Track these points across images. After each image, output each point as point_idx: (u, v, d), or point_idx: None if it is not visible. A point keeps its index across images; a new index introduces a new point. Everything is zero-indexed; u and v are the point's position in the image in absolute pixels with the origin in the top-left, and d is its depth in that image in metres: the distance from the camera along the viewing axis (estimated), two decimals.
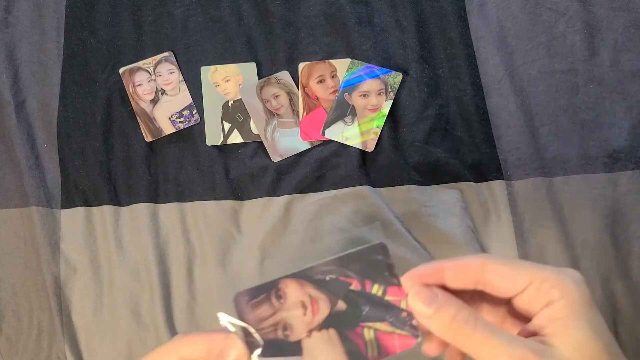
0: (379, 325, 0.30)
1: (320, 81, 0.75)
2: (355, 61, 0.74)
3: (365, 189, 0.70)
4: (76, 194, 0.73)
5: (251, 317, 0.29)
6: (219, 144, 0.74)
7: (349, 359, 0.30)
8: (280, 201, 0.71)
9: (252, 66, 0.76)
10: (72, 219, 0.72)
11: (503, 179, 0.70)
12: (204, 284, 0.70)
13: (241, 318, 0.29)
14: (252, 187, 0.72)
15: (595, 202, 0.69)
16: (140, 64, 0.77)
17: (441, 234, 0.68)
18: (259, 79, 0.76)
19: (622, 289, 0.66)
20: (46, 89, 0.77)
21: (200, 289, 0.70)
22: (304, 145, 0.73)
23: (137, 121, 0.75)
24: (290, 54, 0.76)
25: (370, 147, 0.72)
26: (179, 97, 0.76)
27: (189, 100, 0.76)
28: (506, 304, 0.33)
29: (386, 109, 0.73)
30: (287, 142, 0.73)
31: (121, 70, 0.77)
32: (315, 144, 0.73)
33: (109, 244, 0.71)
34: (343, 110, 0.74)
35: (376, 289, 0.30)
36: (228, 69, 0.76)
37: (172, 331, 0.68)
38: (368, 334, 0.30)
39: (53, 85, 0.77)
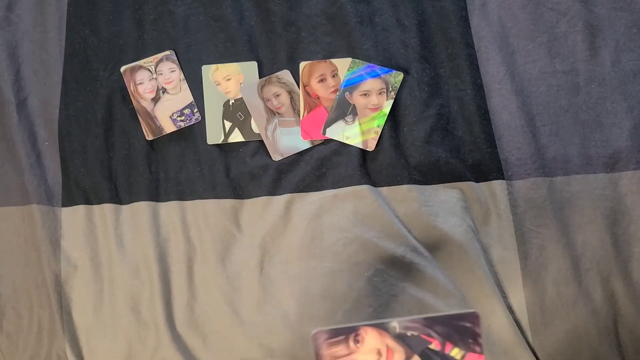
0: None
1: (321, 80, 0.75)
2: (357, 60, 0.75)
3: (365, 188, 0.70)
4: (77, 192, 0.73)
5: (326, 354, 0.31)
6: (220, 142, 0.74)
7: None
8: (280, 200, 0.71)
9: (253, 65, 0.76)
10: (72, 217, 0.72)
11: (504, 179, 0.70)
12: (204, 282, 0.70)
13: (317, 353, 0.31)
14: (252, 185, 0.72)
15: (596, 202, 0.69)
16: (141, 62, 0.77)
17: (441, 234, 0.68)
18: (260, 78, 0.76)
19: (622, 289, 0.66)
20: (47, 87, 0.77)
21: (200, 287, 0.70)
22: (305, 144, 0.73)
23: (138, 120, 0.75)
24: (291, 53, 0.77)
25: (371, 147, 0.72)
26: (180, 96, 0.76)
27: (190, 99, 0.76)
28: None
29: (387, 108, 0.73)
30: (287, 141, 0.73)
31: (122, 69, 0.77)
32: (316, 143, 0.73)
33: (109, 242, 0.71)
34: (344, 110, 0.74)
35: (455, 353, 0.32)
36: (229, 68, 0.77)
37: (172, 329, 0.68)
38: None
39: (54, 83, 0.77)
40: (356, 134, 0.72)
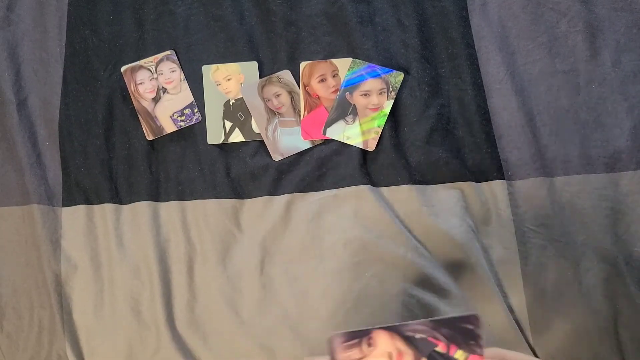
0: None
1: (322, 80, 0.75)
2: (357, 60, 0.74)
3: (365, 188, 0.70)
4: (77, 192, 0.73)
5: (341, 357, 0.32)
6: (220, 142, 0.74)
7: None
8: (281, 200, 0.71)
9: (253, 65, 0.76)
10: (73, 216, 0.72)
11: (504, 179, 0.70)
12: (205, 282, 0.70)
13: (332, 357, 0.32)
14: (253, 185, 0.72)
15: (596, 202, 0.69)
16: (141, 62, 0.77)
17: (442, 234, 0.68)
18: (260, 78, 0.76)
19: (622, 289, 0.66)
20: (48, 87, 0.77)
21: (200, 287, 0.70)
22: (305, 144, 0.73)
23: (139, 119, 0.75)
24: (291, 53, 0.77)
25: (372, 147, 0.72)
26: (180, 96, 0.76)
27: (190, 98, 0.76)
28: None
29: (387, 109, 0.73)
30: (288, 141, 0.73)
31: (123, 69, 0.77)
32: (316, 143, 0.73)
33: (109, 242, 0.71)
34: (344, 110, 0.74)
35: (459, 355, 0.34)
36: (229, 68, 0.77)
37: (172, 329, 0.68)
38: None
39: (55, 83, 0.77)
40: (356, 134, 0.72)
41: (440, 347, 0.33)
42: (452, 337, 0.33)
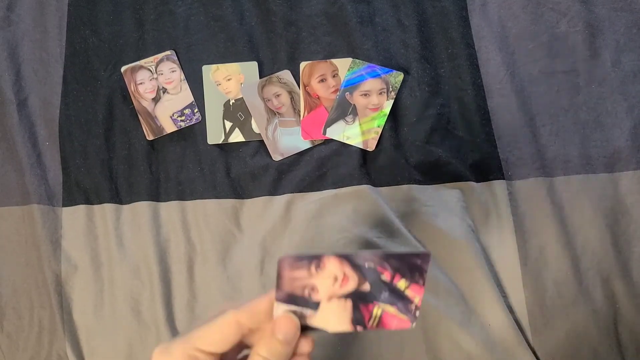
0: (388, 307, 0.35)
1: (322, 80, 0.75)
2: (357, 60, 0.75)
3: (365, 188, 0.70)
4: (77, 192, 0.73)
5: (287, 275, 0.33)
6: (220, 142, 0.74)
7: (352, 323, 0.35)
8: (281, 200, 0.71)
9: (253, 65, 0.76)
10: (73, 216, 0.72)
11: (504, 179, 0.70)
12: (205, 283, 0.70)
13: (279, 275, 0.33)
14: (253, 185, 0.72)
15: (596, 202, 0.69)
16: (142, 62, 0.77)
17: (442, 234, 0.68)
18: (260, 78, 0.76)
19: (622, 289, 0.66)
20: (48, 87, 0.77)
21: (200, 288, 0.70)
22: (305, 144, 0.73)
23: (139, 120, 0.75)
24: (291, 53, 0.77)
25: (372, 147, 0.72)
26: (180, 96, 0.76)
27: (190, 99, 0.76)
28: None
29: (387, 109, 0.73)
30: (288, 141, 0.73)
31: (123, 69, 0.77)
32: (316, 143, 0.73)
33: (110, 242, 0.71)
34: (344, 110, 0.74)
35: (401, 283, 0.35)
36: (229, 68, 0.77)
37: (173, 329, 0.68)
38: (376, 310, 0.35)
39: (55, 83, 0.77)
40: (356, 134, 0.72)
41: (385, 275, 0.35)
42: (399, 268, 0.34)
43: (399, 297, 0.35)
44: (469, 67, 0.74)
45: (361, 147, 0.72)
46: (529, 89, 0.73)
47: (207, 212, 0.72)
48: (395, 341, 0.66)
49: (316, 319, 0.35)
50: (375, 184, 0.71)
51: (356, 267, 0.34)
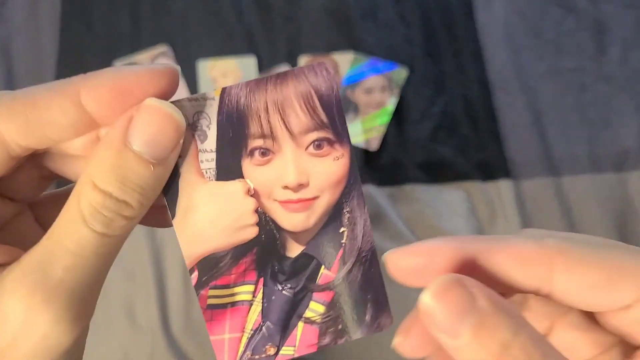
0: None
1: None
2: (359, 55, 0.73)
3: (368, 187, 0.68)
4: None
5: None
6: None
7: None
8: None
9: (251, 60, 0.75)
10: None
11: (510, 179, 0.69)
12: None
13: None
14: None
15: (604, 203, 0.68)
16: (136, 59, 0.76)
17: (446, 235, 0.66)
18: (259, 73, 0.75)
19: None
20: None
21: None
22: None
23: None
24: (291, 49, 0.76)
25: (374, 145, 0.70)
26: (176, 94, 0.75)
27: (185, 96, 0.74)
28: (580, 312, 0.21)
29: (391, 106, 0.71)
30: None
31: (117, 66, 0.76)
32: None
33: None
34: (345, 107, 0.72)
35: None
36: (226, 64, 0.75)
37: (168, 334, 0.67)
38: None
39: (48, 80, 0.75)
40: (358, 132, 0.71)
41: None
42: None
43: None
44: (474, 64, 0.73)
45: (362, 146, 0.70)
46: (535, 86, 0.72)
47: None
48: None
49: None
50: (378, 183, 0.70)
51: None
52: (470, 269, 0.18)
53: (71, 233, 0.17)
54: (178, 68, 0.20)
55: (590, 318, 0.20)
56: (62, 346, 0.18)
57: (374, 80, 0.72)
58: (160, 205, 0.20)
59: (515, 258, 0.18)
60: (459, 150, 0.70)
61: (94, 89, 0.17)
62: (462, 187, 0.69)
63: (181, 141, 0.18)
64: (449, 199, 0.69)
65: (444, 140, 0.71)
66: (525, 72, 0.73)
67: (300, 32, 0.76)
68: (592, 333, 0.20)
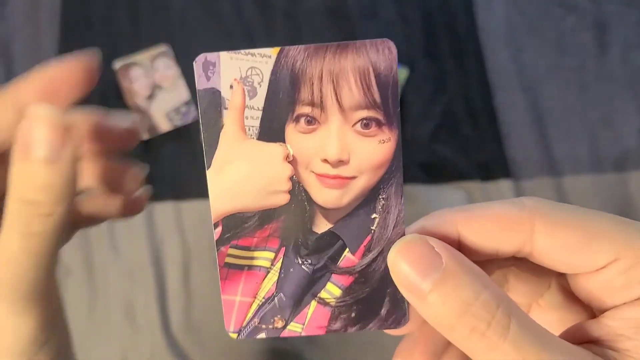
0: None
1: None
2: None
3: None
4: None
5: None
6: None
7: None
8: None
9: None
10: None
11: (511, 179, 0.69)
12: (201, 286, 0.68)
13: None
14: None
15: (605, 203, 0.67)
16: (136, 59, 0.76)
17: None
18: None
19: None
20: None
21: (196, 291, 0.68)
22: None
23: None
24: None
25: None
26: (176, 93, 0.75)
27: (186, 96, 0.74)
28: (553, 275, 0.21)
29: None
30: None
31: (117, 66, 0.75)
32: None
33: (103, 244, 0.69)
34: None
35: None
36: None
37: (168, 334, 0.67)
38: None
39: None
40: None
41: None
42: None
43: None
44: (474, 63, 0.73)
45: None
46: (536, 86, 0.72)
47: (203, 213, 0.70)
48: (396, 343, 0.64)
49: None
50: None
51: None
52: (455, 240, 0.19)
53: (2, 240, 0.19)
54: (94, 57, 0.21)
55: (566, 296, 0.21)
56: (24, 335, 0.20)
57: None
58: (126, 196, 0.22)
59: (497, 223, 0.19)
60: (460, 150, 0.70)
61: (28, 92, 0.20)
62: (462, 187, 0.69)
63: (75, 137, 0.19)
64: (449, 199, 0.69)
65: (444, 140, 0.70)
66: (526, 72, 0.73)
67: (301, 31, 0.76)
68: (568, 311, 0.21)
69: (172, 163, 0.72)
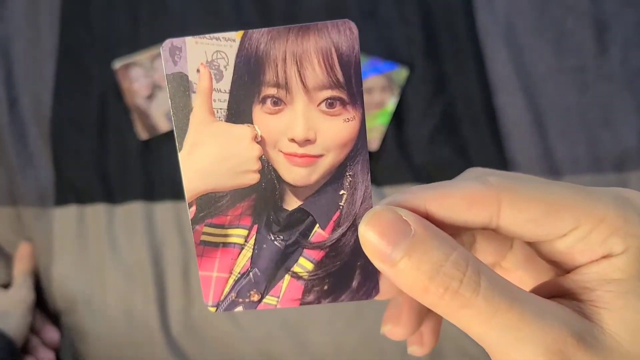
0: None
1: None
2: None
3: None
4: (69, 192, 0.71)
5: None
6: None
7: None
8: None
9: None
10: (65, 217, 0.70)
11: None
12: (201, 286, 0.68)
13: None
14: None
15: None
16: (136, 59, 0.75)
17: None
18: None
19: None
20: (40, 85, 0.75)
21: (196, 292, 0.68)
22: None
23: (133, 118, 0.74)
24: None
25: (374, 146, 0.70)
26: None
27: None
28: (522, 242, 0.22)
29: (391, 106, 0.71)
30: None
31: (116, 66, 0.75)
32: None
33: (102, 244, 0.69)
34: None
35: None
36: None
37: (167, 335, 0.67)
38: None
39: (47, 81, 0.75)
40: None
41: None
42: None
43: None
44: (474, 64, 0.73)
45: None
46: (536, 86, 0.72)
47: None
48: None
49: None
50: (379, 183, 0.69)
51: None
52: (423, 214, 0.20)
53: None
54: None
55: (529, 254, 0.23)
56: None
57: (374, 80, 0.72)
58: None
59: (464, 200, 0.20)
60: (459, 151, 0.70)
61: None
62: None
63: None
64: None
65: (444, 140, 0.70)
66: (526, 72, 0.72)
67: None
68: (531, 266, 0.23)
69: (172, 163, 0.72)
